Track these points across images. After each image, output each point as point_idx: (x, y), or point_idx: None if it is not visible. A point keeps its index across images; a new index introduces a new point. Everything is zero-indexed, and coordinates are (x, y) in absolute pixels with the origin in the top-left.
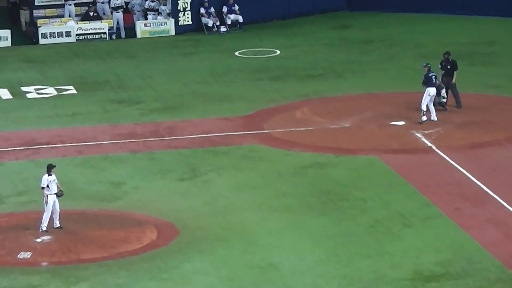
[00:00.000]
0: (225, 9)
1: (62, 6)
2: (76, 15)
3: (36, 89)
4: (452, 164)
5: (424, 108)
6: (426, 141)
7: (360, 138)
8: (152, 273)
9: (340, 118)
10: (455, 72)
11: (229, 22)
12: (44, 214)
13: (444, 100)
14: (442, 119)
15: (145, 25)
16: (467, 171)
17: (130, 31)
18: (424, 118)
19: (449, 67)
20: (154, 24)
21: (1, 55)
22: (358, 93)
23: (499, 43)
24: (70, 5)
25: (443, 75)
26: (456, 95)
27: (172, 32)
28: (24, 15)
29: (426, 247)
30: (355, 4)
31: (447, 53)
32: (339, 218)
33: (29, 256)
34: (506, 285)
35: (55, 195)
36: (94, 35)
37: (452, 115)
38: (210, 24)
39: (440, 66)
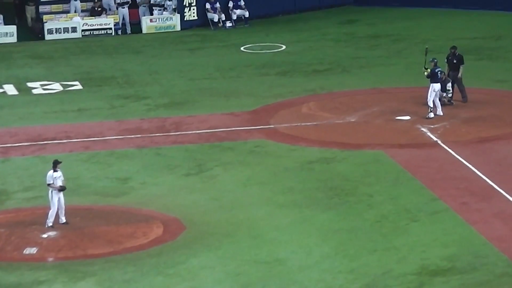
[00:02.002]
0: (231, 4)
1: (68, 1)
2: (82, 11)
3: (42, 85)
4: (459, 159)
5: (430, 104)
6: (432, 136)
7: (366, 133)
8: (159, 268)
9: (346, 113)
10: (461, 67)
11: (235, 17)
12: (50, 210)
13: (450, 95)
14: (448, 114)
15: (151, 20)
16: (473, 166)
17: (136, 26)
18: (432, 115)
19: (455, 61)
20: (160, 20)
21: (7, 51)
22: (365, 88)
23: (506, 37)
24: (76, 0)
25: (449, 70)
26: (462, 89)
27: (178, 28)
28: (30, 11)
29: (432, 241)
30: None
31: (454, 47)
32: (346, 213)
33: (35, 252)
34: None
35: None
36: (100, 31)
37: (458, 110)
38: (216, 20)
39: (446, 60)
